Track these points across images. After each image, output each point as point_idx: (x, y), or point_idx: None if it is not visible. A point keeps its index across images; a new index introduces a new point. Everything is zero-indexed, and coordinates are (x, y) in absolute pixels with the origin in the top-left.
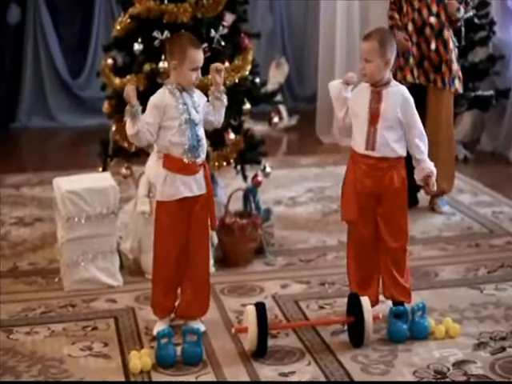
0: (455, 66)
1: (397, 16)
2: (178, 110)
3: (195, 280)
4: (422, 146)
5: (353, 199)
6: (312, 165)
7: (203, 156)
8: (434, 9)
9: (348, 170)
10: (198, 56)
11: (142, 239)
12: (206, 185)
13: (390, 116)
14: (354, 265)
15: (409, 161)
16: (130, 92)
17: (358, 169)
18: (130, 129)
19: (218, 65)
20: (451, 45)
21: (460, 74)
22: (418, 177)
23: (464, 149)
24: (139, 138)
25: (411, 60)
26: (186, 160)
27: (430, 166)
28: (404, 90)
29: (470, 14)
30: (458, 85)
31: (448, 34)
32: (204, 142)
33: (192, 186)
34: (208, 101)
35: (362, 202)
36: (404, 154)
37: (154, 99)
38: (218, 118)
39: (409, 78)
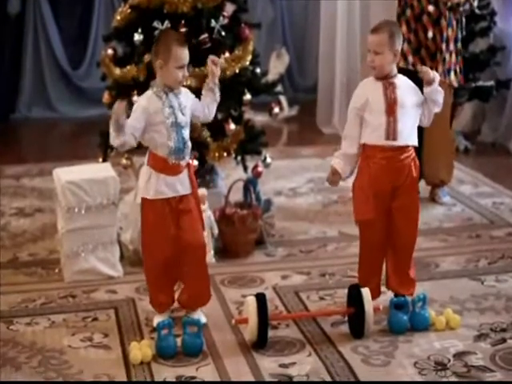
0: (452, 58)
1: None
2: (164, 114)
3: (193, 274)
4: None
5: (368, 198)
6: (312, 155)
7: (188, 158)
8: None
9: (360, 169)
10: (184, 54)
11: None
12: (191, 185)
13: (408, 103)
14: (363, 267)
15: None
16: (120, 110)
17: (374, 165)
18: (114, 140)
19: (214, 57)
20: (449, 34)
21: (457, 67)
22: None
23: (465, 139)
24: (123, 147)
25: (405, 46)
26: (170, 161)
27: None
28: (408, 79)
29: (475, 5)
30: (454, 78)
31: (445, 23)
32: (189, 143)
33: (176, 186)
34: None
35: (378, 200)
36: (417, 142)
37: (141, 102)
38: (208, 113)
39: (401, 63)
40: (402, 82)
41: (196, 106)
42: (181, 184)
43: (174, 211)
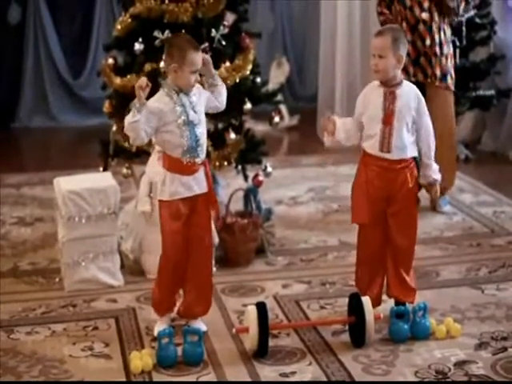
0: (448, 62)
1: (386, 11)
2: (176, 113)
3: (198, 280)
4: (432, 149)
5: (363, 202)
6: (313, 164)
7: (203, 156)
8: (426, 4)
9: (359, 171)
10: (198, 59)
11: (142, 239)
12: (207, 183)
13: (405, 116)
14: (361, 267)
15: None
16: (142, 91)
17: (370, 171)
18: (129, 117)
19: (205, 57)
20: (442, 38)
21: (452, 71)
22: (422, 180)
23: (465, 148)
24: (135, 129)
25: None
26: (184, 161)
27: (436, 172)
28: (416, 89)
29: (471, 13)
30: (450, 81)
31: (435, 27)
32: (204, 141)
33: (192, 185)
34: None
35: (373, 205)
36: (416, 153)
37: (150, 104)
38: (221, 100)
39: (402, 76)
40: (405, 93)
41: (209, 99)
42: (197, 183)
43: (189, 210)
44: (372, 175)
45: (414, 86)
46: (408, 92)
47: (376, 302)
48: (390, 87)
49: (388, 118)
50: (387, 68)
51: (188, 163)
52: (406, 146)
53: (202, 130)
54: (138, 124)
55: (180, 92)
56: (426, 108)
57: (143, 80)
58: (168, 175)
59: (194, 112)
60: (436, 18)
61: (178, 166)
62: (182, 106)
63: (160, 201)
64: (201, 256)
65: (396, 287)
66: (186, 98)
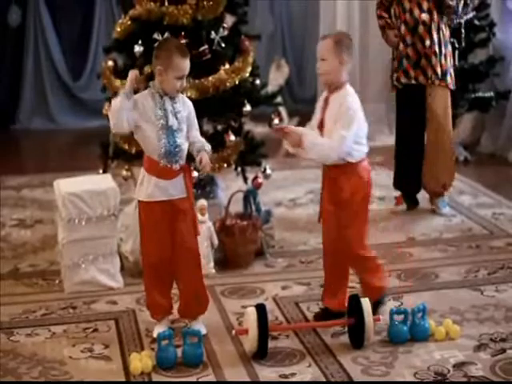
0: (447, 61)
1: (385, 15)
2: (156, 115)
3: (188, 282)
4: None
5: (320, 204)
6: (312, 166)
7: (182, 162)
8: (425, 6)
9: None
10: (184, 65)
11: None
12: (187, 189)
13: (329, 124)
14: (324, 271)
15: (409, 162)
16: (132, 80)
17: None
18: (117, 101)
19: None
20: (440, 36)
21: (452, 71)
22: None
23: (464, 150)
24: (119, 114)
25: (405, 62)
26: (161, 164)
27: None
28: (347, 95)
29: (470, 15)
30: (450, 80)
31: (434, 27)
32: (184, 148)
33: (168, 189)
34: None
35: (324, 208)
36: (355, 159)
37: (136, 96)
38: (191, 140)
39: (402, 79)
40: (335, 100)
41: (188, 125)
42: (174, 188)
43: (168, 214)
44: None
45: (350, 93)
46: (338, 99)
47: (341, 308)
48: (329, 92)
49: (320, 126)
50: (328, 71)
51: (164, 167)
52: None
53: (182, 137)
54: (122, 110)
55: (164, 95)
56: (347, 115)
57: (136, 72)
58: (146, 176)
59: (176, 118)
60: (435, 17)
61: (155, 169)
62: (163, 110)
63: (139, 201)
64: (187, 261)
65: (364, 290)
66: (169, 103)
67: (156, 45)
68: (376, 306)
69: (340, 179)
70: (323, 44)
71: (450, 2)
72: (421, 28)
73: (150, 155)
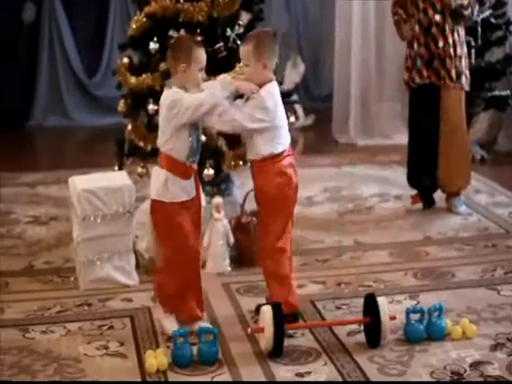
0: (462, 62)
1: (401, 11)
2: None
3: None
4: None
5: None
6: (328, 164)
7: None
8: (439, 6)
9: None
10: (204, 55)
11: None
12: (196, 188)
13: None
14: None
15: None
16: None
17: None
18: (214, 95)
19: None
20: (456, 39)
21: (467, 72)
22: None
23: (481, 149)
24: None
25: (419, 62)
26: (187, 164)
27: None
28: (263, 91)
29: (487, 13)
30: (465, 81)
31: (449, 29)
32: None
33: (189, 189)
34: None
35: None
36: (266, 153)
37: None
38: None
39: (416, 79)
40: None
41: None
42: (191, 187)
43: (187, 213)
44: None
45: (264, 89)
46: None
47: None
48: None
49: None
50: (252, 76)
51: (189, 166)
52: (252, 147)
53: (201, 134)
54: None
55: (186, 92)
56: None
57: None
58: (170, 177)
59: None
60: (449, 19)
61: (180, 169)
62: None
63: (156, 201)
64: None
65: None
66: None
67: (171, 47)
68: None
69: (256, 174)
70: (244, 50)
71: (465, 13)
72: (434, 29)
73: (178, 155)
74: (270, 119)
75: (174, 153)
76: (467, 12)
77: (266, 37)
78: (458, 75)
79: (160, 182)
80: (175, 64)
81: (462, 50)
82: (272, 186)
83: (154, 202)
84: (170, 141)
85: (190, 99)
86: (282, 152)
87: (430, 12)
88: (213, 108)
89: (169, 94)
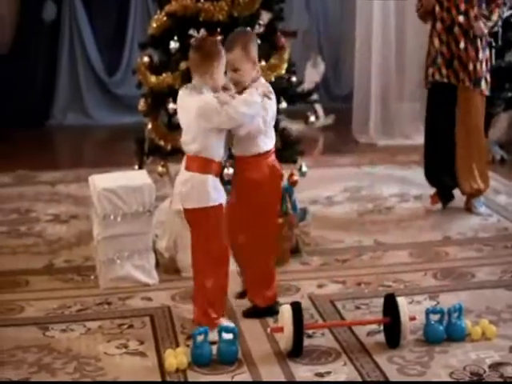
0: (483, 67)
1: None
2: None
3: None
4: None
5: None
6: (348, 164)
7: None
8: (462, 7)
9: None
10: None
11: (177, 238)
12: None
13: None
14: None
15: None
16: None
17: None
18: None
19: None
20: (478, 43)
21: (488, 76)
22: None
23: (500, 149)
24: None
25: (439, 59)
26: (222, 162)
27: None
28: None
29: (507, 13)
30: (484, 86)
31: (471, 31)
32: None
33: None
34: None
35: None
36: (263, 149)
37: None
38: None
39: (436, 76)
40: None
41: None
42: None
43: None
44: None
45: (265, 84)
46: None
47: None
48: (238, 93)
49: None
50: (244, 78)
51: (220, 164)
52: (248, 144)
53: None
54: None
55: (214, 93)
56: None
57: None
58: (215, 180)
59: None
60: (473, 22)
61: (217, 169)
62: None
63: (210, 208)
64: None
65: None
66: None
67: (206, 48)
68: (265, 312)
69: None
70: (233, 56)
71: (482, 31)
72: (456, 29)
73: (215, 156)
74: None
75: (213, 154)
76: (484, 32)
77: (247, 35)
78: (478, 79)
79: (210, 187)
80: (210, 66)
81: (484, 54)
82: (266, 178)
83: (209, 209)
84: (210, 144)
85: (239, 108)
86: (272, 148)
87: (454, 12)
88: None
89: (210, 101)
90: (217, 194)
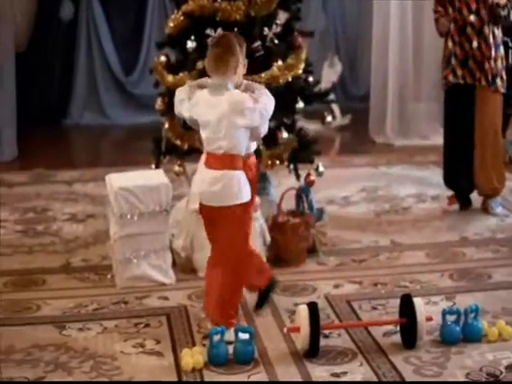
0: (498, 64)
1: (441, 9)
2: None
3: None
4: None
5: None
6: (365, 164)
7: None
8: (474, 7)
9: None
10: None
11: (194, 237)
12: None
13: None
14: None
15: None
16: None
17: None
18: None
19: None
20: (491, 41)
21: (503, 73)
22: None
23: None
24: None
25: (453, 60)
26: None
27: None
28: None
29: None
30: (500, 83)
31: (488, 30)
32: None
33: None
34: None
35: None
36: (252, 149)
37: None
38: None
39: (450, 78)
40: None
41: None
42: None
43: None
44: None
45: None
46: None
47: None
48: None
49: None
50: (240, 79)
51: None
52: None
53: None
54: None
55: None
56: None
57: None
58: (244, 176)
59: None
60: (485, 20)
61: (242, 165)
62: None
63: (245, 204)
64: None
65: None
66: None
67: (222, 46)
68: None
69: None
70: (234, 61)
71: (502, 13)
72: (469, 29)
73: (243, 153)
74: None
75: (241, 150)
76: (504, 12)
77: (237, 38)
78: (494, 77)
79: (243, 183)
80: (234, 61)
81: (498, 52)
82: (253, 176)
83: (244, 205)
84: (240, 140)
85: (268, 105)
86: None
87: (465, 12)
88: None
89: (245, 97)
90: (248, 189)
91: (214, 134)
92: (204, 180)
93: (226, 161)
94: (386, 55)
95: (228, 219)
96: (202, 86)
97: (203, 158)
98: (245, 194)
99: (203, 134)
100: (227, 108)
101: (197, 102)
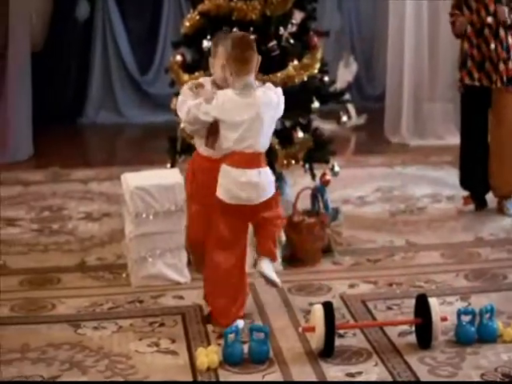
0: None
1: (458, 12)
2: None
3: None
4: None
5: None
6: (380, 164)
7: None
8: (492, 8)
9: None
10: None
11: None
12: None
13: None
14: None
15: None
16: None
17: None
18: None
19: None
20: (509, 42)
21: None
22: None
23: None
24: None
25: (469, 63)
26: None
27: None
28: None
29: None
30: None
31: (503, 32)
32: None
33: None
34: None
35: None
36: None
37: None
38: None
39: (466, 80)
40: None
41: None
42: None
43: None
44: None
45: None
46: None
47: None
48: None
49: None
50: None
51: None
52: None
53: None
54: None
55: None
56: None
57: None
58: None
59: None
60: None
61: None
62: None
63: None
64: None
65: None
66: None
67: (250, 48)
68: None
69: None
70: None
71: (506, 19)
72: (486, 31)
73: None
74: None
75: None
76: (508, 19)
77: (220, 41)
78: (510, 78)
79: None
80: (258, 60)
81: None
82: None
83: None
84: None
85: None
86: None
87: (483, 13)
88: None
89: (272, 95)
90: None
91: (246, 133)
92: (244, 182)
93: (259, 158)
94: (401, 55)
95: (269, 205)
96: (202, 86)
97: (223, 158)
98: (274, 185)
99: (232, 134)
100: (263, 106)
101: (223, 103)
